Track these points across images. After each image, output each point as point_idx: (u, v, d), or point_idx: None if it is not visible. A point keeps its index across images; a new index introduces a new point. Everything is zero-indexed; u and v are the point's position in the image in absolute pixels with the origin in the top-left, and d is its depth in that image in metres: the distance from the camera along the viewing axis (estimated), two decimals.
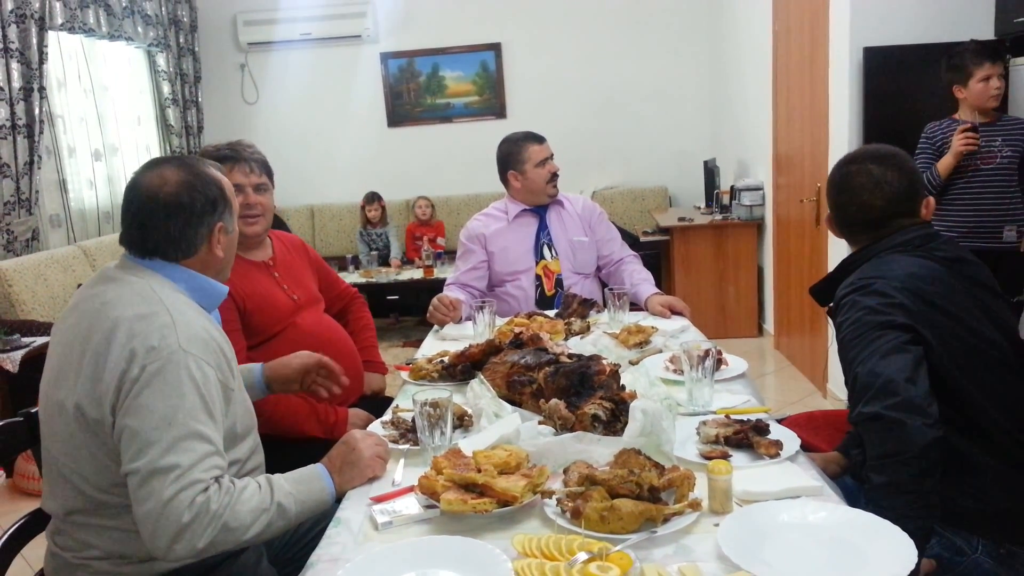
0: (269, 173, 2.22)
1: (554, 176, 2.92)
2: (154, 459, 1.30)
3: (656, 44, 6.51)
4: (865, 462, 1.66)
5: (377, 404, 2.32)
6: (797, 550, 1.21)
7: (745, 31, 5.47)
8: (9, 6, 4.37)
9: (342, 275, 5.83)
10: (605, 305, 2.61)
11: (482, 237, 2.94)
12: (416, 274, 5.77)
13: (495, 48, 6.64)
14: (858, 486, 1.72)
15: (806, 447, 1.62)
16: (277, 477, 1.45)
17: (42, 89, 4.57)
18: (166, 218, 1.47)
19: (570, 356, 1.95)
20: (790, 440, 1.55)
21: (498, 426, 1.64)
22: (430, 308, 2.69)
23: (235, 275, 1.75)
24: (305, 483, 1.46)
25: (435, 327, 2.71)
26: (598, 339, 2.24)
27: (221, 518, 1.31)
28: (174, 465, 1.30)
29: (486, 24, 6.58)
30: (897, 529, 1.20)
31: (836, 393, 3.92)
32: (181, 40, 6.34)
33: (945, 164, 2.97)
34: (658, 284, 2.90)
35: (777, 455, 1.50)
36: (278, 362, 1.92)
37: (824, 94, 3.85)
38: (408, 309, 6.38)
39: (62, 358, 1.44)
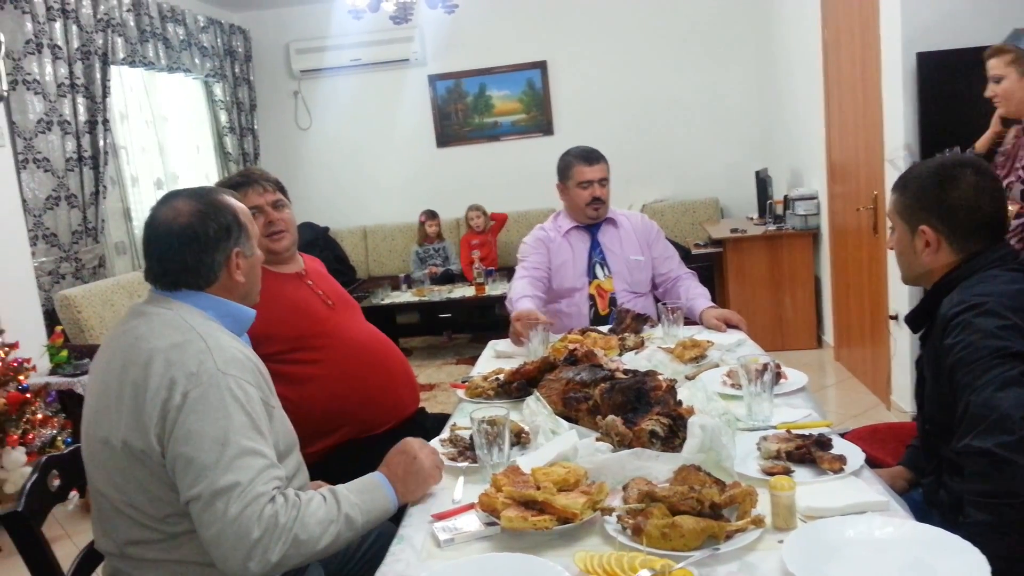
0: (283, 190, 2.30)
1: (595, 200, 2.87)
2: (213, 481, 1.32)
3: (703, 55, 6.49)
4: (938, 478, 1.61)
5: (436, 422, 2.35)
6: (864, 566, 1.19)
7: (794, 39, 5.41)
8: (75, 44, 4.56)
9: (395, 294, 5.95)
10: (659, 320, 2.59)
11: (546, 245, 2.94)
12: (468, 292, 5.81)
13: (541, 66, 6.69)
14: (926, 500, 1.68)
15: (870, 461, 1.59)
16: (340, 488, 1.47)
17: (106, 121, 4.76)
18: (181, 248, 1.50)
19: (625, 372, 1.95)
20: (854, 454, 1.52)
21: (556, 443, 1.65)
22: (514, 328, 2.56)
23: (266, 289, 1.77)
24: (368, 493, 1.49)
25: (490, 346, 2.72)
26: (653, 354, 2.24)
27: (291, 531, 1.34)
28: (234, 484, 1.32)
29: (531, 43, 6.64)
30: (969, 545, 1.17)
31: (900, 405, 3.82)
32: (236, 70, 6.54)
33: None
34: (711, 297, 2.87)
35: (841, 470, 1.47)
36: None
37: (877, 101, 3.79)
38: (461, 327, 6.43)
39: (100, 396, 1.46)
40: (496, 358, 2.59)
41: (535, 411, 1.84)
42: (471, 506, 1.47)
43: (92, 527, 1.54)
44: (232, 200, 1.60)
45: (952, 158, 1.71)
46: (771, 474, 1.44)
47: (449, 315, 6.20)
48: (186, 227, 1.51)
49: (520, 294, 2.75)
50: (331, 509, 1.41)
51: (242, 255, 1.57)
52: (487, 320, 6.25)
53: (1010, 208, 2.37)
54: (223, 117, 6.36)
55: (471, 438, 1.70)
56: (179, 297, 1.52)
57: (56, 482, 1.67)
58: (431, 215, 6.47)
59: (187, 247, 1.51)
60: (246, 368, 1.46)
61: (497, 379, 2.17)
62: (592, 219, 2.92)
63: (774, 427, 1.71)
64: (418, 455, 1.57)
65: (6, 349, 3.39)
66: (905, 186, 1.70)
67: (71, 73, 4.54)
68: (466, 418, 1.83)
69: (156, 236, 1.52)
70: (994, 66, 2.54)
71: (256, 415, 1.42)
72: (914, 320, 1.74)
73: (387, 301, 5.81)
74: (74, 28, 4.56)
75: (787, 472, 1.46)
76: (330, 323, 2.25)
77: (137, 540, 1.44)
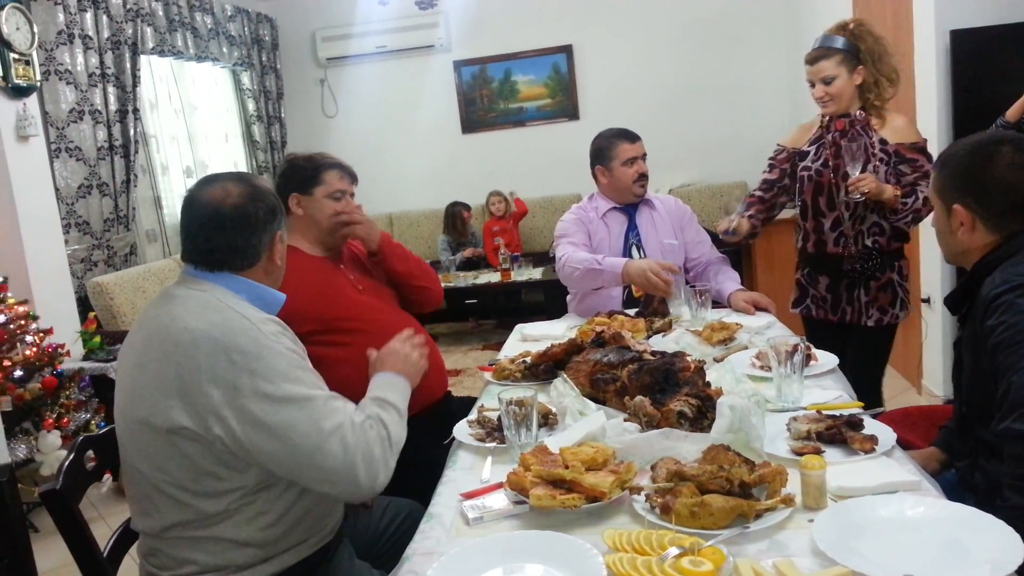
0: None
1: (642, 176, 2.87)
2: (320, 430, 1.40)
3: (731, 38, 6.40)
4: (974, 462, 1.59)
5: (463, 405, 2.37)
6: (896, 545, 1.17)
7: (824, 18, 5.30)
8: (106, 34, 4.62)
9: None
10: (687, 303, 2.58)
11: (585, 225, 2.91)
12: (494, 277, 5.82)
13: (566, 50, 6.65)
14: (960, 483, 1.66)
15: (902, 444, 1.57)
16: (378, 394, 1.60)
17: (136, 111, 4.81)
18: (233, 229, 1.52)
19: (653, 354, 1.94)
20: (885, 435, 1.51)
21: (584, 424, 1.65)
22: (648, 277, 2.52)
23: (304, 272, 1.80)
24: (397, 389, 1.64)
25: (517, 329, 2.72)
26: (680, 336, 2.23)
27: (393, 439, 1.50)
28: (339, 423, 1.42)
29: (557, 27, 6.60)
30: (1003, 524, 1.15)
31: (931, 389, 3.77)
32: (264, 59, 6.58)
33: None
34: (739, 281, 2.84)
35: (872, 450, 1.46)
36: None
37: (910, 80, 3.72)
38: (486, 313, 6.43)
39: (135, 378, 1.46)
40: (523, 341, 2.60)
41: (562, 392, 1.84)
42: (499, 485, 1.47)
43: (129, 507, 1.57)
44: (270, 184, 1.64)
45: (990, 135, 1.66)
46: (801, 454, 1.43)
47: (475, 301, 6.21)
48: (238, 208, 1.52)
49: (599, 255, 2.72)
50: (394, 412, 1.56)
51: (281, 239, 1.61)
52: (513, 306, 6.26)
53: (897, 191, 2.47)
54: (251, 105, 6.41)
55: (499, 419, 1.71)
56: (214, 279, 1.53)
57: (91, 463, 1.70)
58: (467, 207, 6.43)
59: (238, 228, 1.52)
60: (288, 336, 1.51)
61: (524, 361, 2.17)
62: (638, 196, 2.90)
63: (804, 408, 1.70)
64: (410, 353, 1.73)
65: (41, 335, 3.45)
66: (943, 164, 1.67)
67: (102, 63, 4.59)
68: (494, 400, 1.84)
69: (204, 216, 1.52)
70: (825, 68, 2.56)
71: (312, 370, 1.51)
72: (954, 301, 1.71)
73: None
74: (104, 18, 4.61)
75: (817, 452, 1.45)
76: (359, 308, 2.27)
77: (175, 520, 1.45)
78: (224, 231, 1.52)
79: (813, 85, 2.61)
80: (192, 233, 1.54)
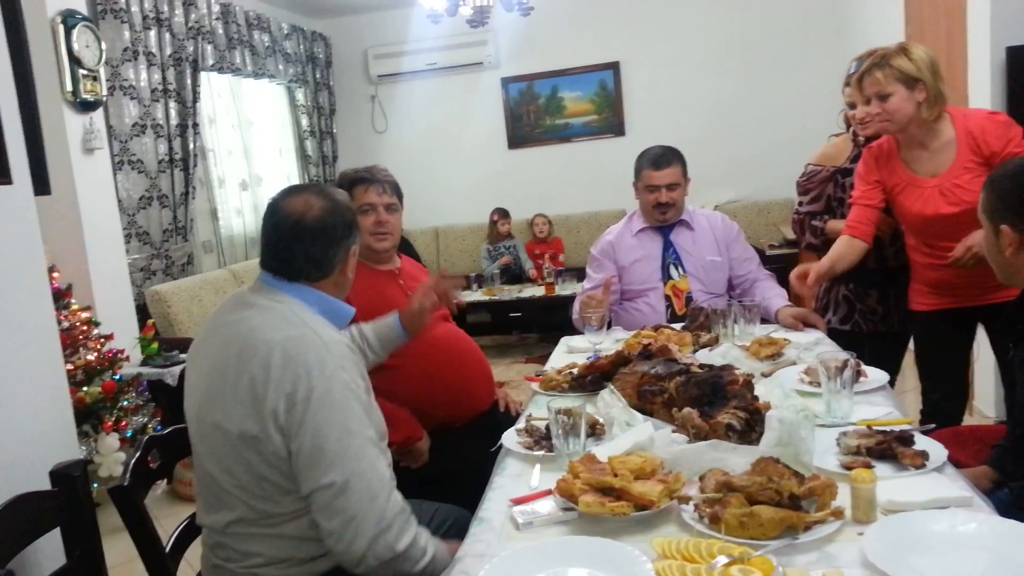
0: (399, 195, 2.40)
1: (660, 205, 2.85)
2: (346, 469, 1.42)
3: (780, 55, 6.37)
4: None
5: (508, 416, 2.40)
6: (948, 560, 1.17)
7: (876, 37, 5.26)
8: (168, 51, 4.79)
9: (465, 293, 6.02)
10: (734, 318, 2.57)
11: (612, 250, 2.95)
12: (538, 291, 5.85)
13: (613, 67, 6.68)
14: (1015, 504, 1.63)
15: (953, 463, 1.56)
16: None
17: (196, 125, 4.97)
18: (312, 240, 1.57)
19: (700, 367, 1.95)
20: (936, 451, 1.50)
21: (631, 434, 1.66)
22: (580, 310, 2.59)
23: (359, 283, 1.85)
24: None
25: (563, 341, 2.75)
26: (728, 351, 2.23)
27: (410, 554, 1.47)
28: (364, 470, 1.43)
29: (604, 44, 6.65)
30: None
31: (982, 410, 3.69)
32: (317, 76, 6.74)
33: None
34: (787, 299, 2.83)
35: (923, 466, 1.46)
36: (407, 306, 2.08)
37: (963, 98, 3.67)
38: (530, 326, 6.46)
39: (213, 382, 1.52)
40: (569, 353, 2.62)
41: (609, 404, 1.86)
42: (548, 492, 1.50)
43: (196, 502, 1.63)
44: (347, 199, 1.69)
45: None
46: (851, 468, 1.43)
47: (519, 314, 6.24)
48: (319, 220, 1.58)
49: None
50: (427, 559, 1.51)
51: (354, 253, 1.66)
52: (557, 320, 6.27)
53: None
54: (304, 121, 6.57)
55: (547, 428, 1.73)
56: (289, 291, 1.58)
57: (153, 463, 1.77)
58: (503, 214, 6.54)
59: (317, 239, 1.58)
60: (353, 360, 1.54)
61: (571, 373, 2.19)
62: (659, 222, 2.91)
63: (854, 424, 1.70)
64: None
65: (102, 340, 3.58)
66: (992, 185, 1.67)
67: (164, 79, 4.76)
68: (541, 409, 1.87)
69: (286, 226, 1.58)
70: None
71: (365, 404, 1.51)
72: (1007, 323, 1.69)
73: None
74: (167, 36, 4.79)
75: (867, 467, 1.45)
76: None
77: (240, 516, 1.51)
78: (304, 242, 1.57)
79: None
80: (272, 241, 1.60)
